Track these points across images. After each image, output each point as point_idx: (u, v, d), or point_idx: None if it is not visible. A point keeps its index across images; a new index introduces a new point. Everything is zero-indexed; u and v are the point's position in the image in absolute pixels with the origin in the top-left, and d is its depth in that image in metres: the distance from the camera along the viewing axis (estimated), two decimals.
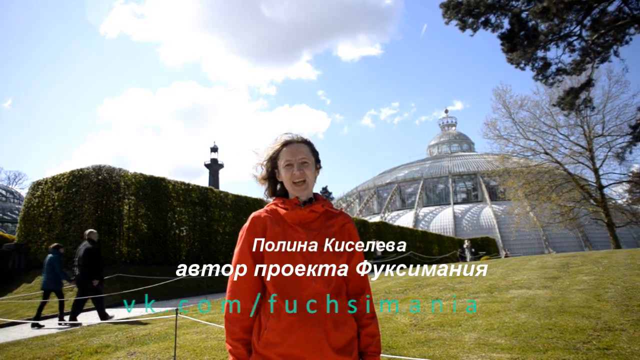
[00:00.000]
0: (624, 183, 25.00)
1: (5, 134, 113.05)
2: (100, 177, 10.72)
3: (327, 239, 1.26)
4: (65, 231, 10.57)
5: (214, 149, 65.58)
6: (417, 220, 40.31)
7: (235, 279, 1.24)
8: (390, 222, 31.06)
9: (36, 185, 11.94)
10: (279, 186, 1.36)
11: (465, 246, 23.96)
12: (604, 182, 23.90)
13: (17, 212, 32.06)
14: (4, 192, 41.03)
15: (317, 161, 1.36)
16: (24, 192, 31.86)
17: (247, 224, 1.28)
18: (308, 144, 1.35)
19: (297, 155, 1.28)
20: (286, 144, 1.32)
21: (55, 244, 7.66)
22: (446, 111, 62.26)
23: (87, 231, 7.42)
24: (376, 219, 31.28)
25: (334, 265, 1.23)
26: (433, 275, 8.77)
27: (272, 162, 1.34)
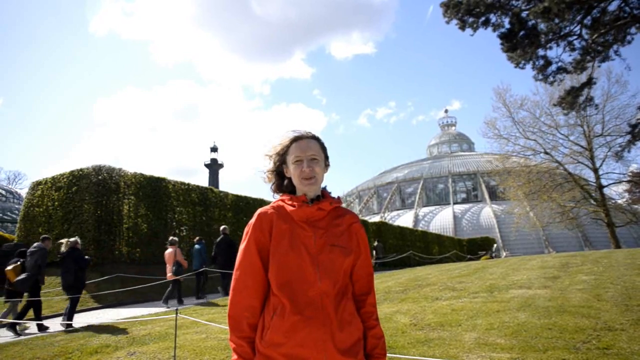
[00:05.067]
0: (623, 183, 25.02)
1: (1, 134, 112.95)
2: (100, 177, 10.71)
3: (334, 238, 1.23)
4: (65, 231, 10.55)
5: (214, 149, 65.59)
6: (417, 220, 40.26)
7: (240, 275, 1.21)
8: (390, 222, 31.00)
9: (36, 185, 11.93)
10: (285, 182, 1.33)
11: (494, 248, 28.40)
12: (603, 182, 23.92)
13: (17, 212, 32.02)
14: (3, 192, 40.98)
15: (326, 158, 1.33)
16: (23, 192, 31.80)
17: (253, 220, 1.24)
18: (317, 140, 1.31)
19: (307, 152, 1.26)
20: (295, 139, 1.29)
21: (199, 237, 9.85)
22: (446, 111, 62.46)
23: (221, 227, 9.79)
24: (376, 218, 31.27)
25: (340, 265, 1.20)
26: (433, 275, 8.77)
27: (280, 158, 1.31)
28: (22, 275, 6.47)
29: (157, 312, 7.25)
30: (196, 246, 9.41)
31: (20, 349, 4.74)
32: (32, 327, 6.54)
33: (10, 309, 6.78)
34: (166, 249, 8.38)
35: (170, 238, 8.70)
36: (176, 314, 4.02)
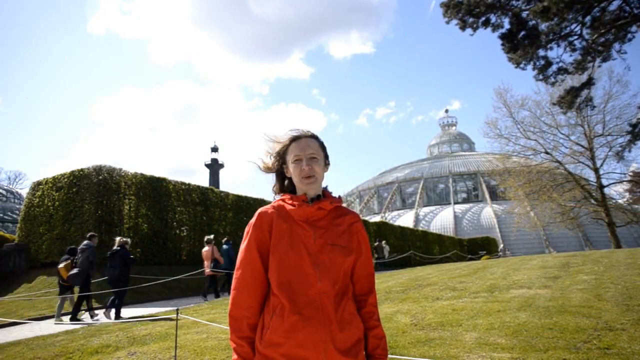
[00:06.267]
0: (624, 182, 24.99)
1: (1, 134, 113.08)
2: (100, 177, 10.72)
3: (334, 238, 1.22)
4: (66, 231, 10.57)
5: (214, 149, 65.60)
6: (417, 220, 40.25)
7: (241, 275, 1.21)
8: (391, 221, 31.00)
9: (36, 185, 11.94)
10: (286, 182, 1.33)
11: (500, 248, 29.79)
12: (604, 182, 23.88)
13: (17, 212, 32.05)
14: (4, 192, 41.02)
15: (326, 157, 1.32)
16: (24, 192, 31.83)
17: (253, 220, 1.24)
18: (317, 138, 1.31)
19: (307, 150, 1.25)
20: (295, 139, 1.28)
21: (227, 237, 10.50)
22: (446, 111, 62.65)
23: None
24: (377, 218, 31.26)
25: (340, 265, 1.20)
26: (433, 275, 8.76)
27: (281, 157, 1.31)
28: (74, 270, 7.08)
29: (157, 312, 7.26)
30: (224, 246, 9.95)
31: (21, 349, 4.74)
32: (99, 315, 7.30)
33: (63, 301, 7.43)
34: (167, 248, 8.50)
35: (207, 237, 9.45)
36: (177, 313, 4.02)
